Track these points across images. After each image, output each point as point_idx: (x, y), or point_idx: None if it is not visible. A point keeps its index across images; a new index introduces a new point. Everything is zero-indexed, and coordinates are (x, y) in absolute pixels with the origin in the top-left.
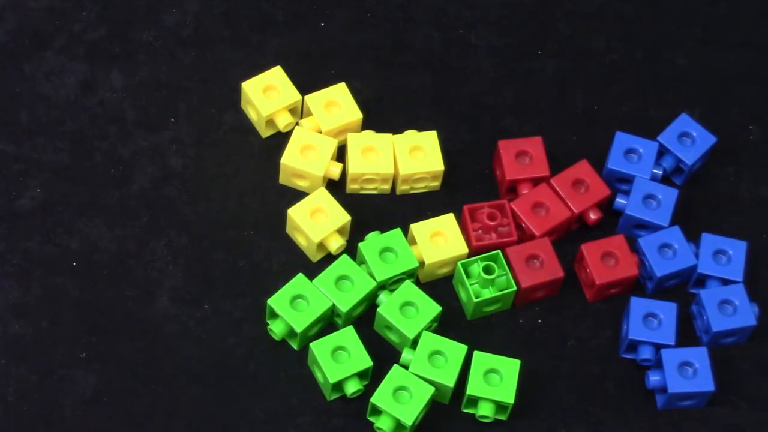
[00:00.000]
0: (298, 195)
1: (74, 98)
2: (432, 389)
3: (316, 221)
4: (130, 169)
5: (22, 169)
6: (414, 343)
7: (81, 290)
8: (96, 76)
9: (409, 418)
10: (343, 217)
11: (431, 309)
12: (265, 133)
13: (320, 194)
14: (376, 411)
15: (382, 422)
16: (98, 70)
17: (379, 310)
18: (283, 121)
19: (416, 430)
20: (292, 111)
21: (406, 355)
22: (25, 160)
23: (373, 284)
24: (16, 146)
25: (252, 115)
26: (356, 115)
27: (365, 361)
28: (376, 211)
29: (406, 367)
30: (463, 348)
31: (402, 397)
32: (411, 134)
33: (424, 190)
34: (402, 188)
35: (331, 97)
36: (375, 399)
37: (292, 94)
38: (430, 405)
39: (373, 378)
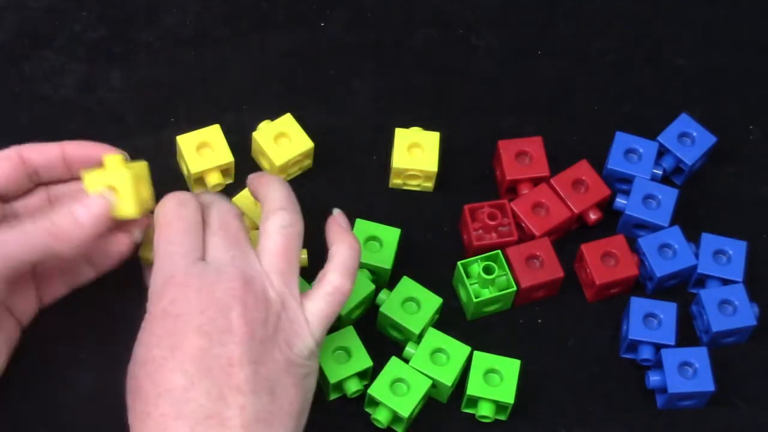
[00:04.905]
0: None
1: (74, 98)
2: (429, 382)
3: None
4: None
5: None
6: (419, 338)
7: (81, 290)
8: (96, 76)
9: (405, 410)
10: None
11: (433, 302)
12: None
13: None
14: (373, 402)
15: (378, 413)
16: (98, 70)
17: (381, 309)
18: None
19: (415, 427)
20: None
21: (409, 349)
22: None
23: (372, 288)
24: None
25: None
26: (307, 144)
27: (365, 361)
28: (375, 210)
29: (406, 360)
30: (466, 349)
31: (399, 389)
32: (415, 131)
33: (418, 189)
34: (395, 182)
35: (280, 129)
36: (372, 390)
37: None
38: (427, 398)
39: (373, 377)
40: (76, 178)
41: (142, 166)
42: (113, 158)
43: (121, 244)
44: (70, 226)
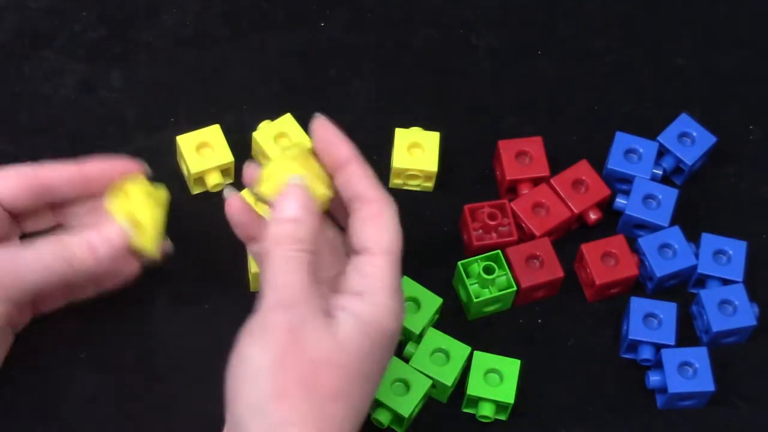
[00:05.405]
0: None
1: (74, 98)
2: (429, 382)
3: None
4: None
5: None
6: (419, 338)
7: None
8: (96, 76)
9: (405, 410)
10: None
11: (433, 302)
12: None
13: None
14: (374, 402)
15: (378, 414)
16: (98, 70)
17: None
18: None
19: (415, 427)
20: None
21: (409, 349)
22: (25, 160)
23: None
24: (15, 146)
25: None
26: (308, 144)
27: None
28: None
29: (406, 360)
30: (466, 349)
31: (399, 389)
32: (415, 131)
33: (418, 189)
34: (395, 182)
35: (280, 129)
36: None
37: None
38: (427, 398)
39: None
40: (92, 197)
41: (162, 195)
42: (138, 187)
43: (131, 268)
44: (86, 254)
